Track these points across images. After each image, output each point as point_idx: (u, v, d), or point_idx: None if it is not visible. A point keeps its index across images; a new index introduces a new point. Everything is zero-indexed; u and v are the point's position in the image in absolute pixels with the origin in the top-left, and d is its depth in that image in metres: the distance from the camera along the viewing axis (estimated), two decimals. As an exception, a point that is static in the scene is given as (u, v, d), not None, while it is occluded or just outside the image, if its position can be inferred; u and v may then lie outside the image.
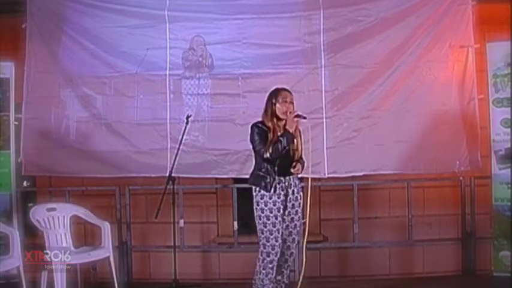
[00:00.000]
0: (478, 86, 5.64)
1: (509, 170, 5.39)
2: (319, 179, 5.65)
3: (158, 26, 5.84)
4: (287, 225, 4.40)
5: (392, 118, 5.65)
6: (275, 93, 4.40)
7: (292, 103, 4.37)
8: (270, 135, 4.31)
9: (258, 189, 4.33)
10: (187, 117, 5.44)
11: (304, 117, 4.37)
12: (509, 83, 5.43)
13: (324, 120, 5.63)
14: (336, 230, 6.10)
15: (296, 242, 4.50)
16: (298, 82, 5.67)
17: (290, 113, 4.31)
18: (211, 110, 5.87)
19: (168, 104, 5.83)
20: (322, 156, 5.56)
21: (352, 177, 5.66)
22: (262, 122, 4.39)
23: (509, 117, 5.39)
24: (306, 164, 4.41)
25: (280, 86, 4.47)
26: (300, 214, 4.46)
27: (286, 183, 4.36)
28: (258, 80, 5.73)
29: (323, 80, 5.68)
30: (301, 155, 4.45)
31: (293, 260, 4.63)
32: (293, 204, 4.40)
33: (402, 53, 5.65)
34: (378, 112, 5.66)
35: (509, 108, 5.36)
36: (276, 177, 4.31)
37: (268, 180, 4.29)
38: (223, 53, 5.84)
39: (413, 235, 5.79)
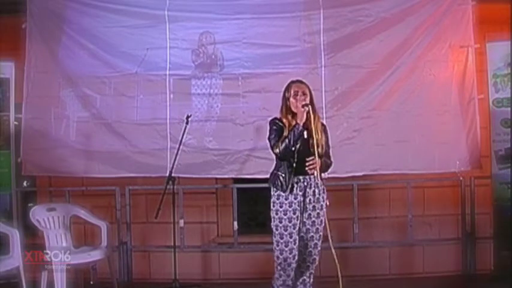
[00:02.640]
0: (478, 86, 5.64)
1: (509, 170, 5.40)
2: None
3: (158, 26, 5.83)
4: (308, 229, 4.10)
5: (393, 118, 5.65)
6: (287, 87, 4.19)
7: (306, 94, 4.11)
8: (286, 132, 4.06)
9: (275, 188, 4.05)
10: (187, 117, 5.43)
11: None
12: (509, 83, 5.44)
13: (324, 120, 5.60)
14: (336, 230, 6.08)
15: (319, 248, 4.16)
16: (298, 82, 5.67)
17: (302, 105, 4.01)
18: (211, 110, 5.87)
19: (168, 104, 5.83)
20: (322, 157, 5.56)
21: (352, 177, 5.66)
22: (279, 118, 4.16)
23: (509, 117, 5.39)
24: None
25: (294, 78, 4.28)
26: (322, 218, 4.10)
27: (305, 183, 4.05)
28: (258, 80, 5.73)
29: (323, 80, 5.68)
30: (329, 153, 4.21)
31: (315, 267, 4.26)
32: (314, 206, 4.08)
33: (402, 53, 5.65)
34: (378, 112, 5.66)
35: (509, 108, 5.37)
36: (294, 177, 4.01)
37: (284, 179, 4.00)
38: (223, 53, 5.83)
39: (413, 235, 5.79)
